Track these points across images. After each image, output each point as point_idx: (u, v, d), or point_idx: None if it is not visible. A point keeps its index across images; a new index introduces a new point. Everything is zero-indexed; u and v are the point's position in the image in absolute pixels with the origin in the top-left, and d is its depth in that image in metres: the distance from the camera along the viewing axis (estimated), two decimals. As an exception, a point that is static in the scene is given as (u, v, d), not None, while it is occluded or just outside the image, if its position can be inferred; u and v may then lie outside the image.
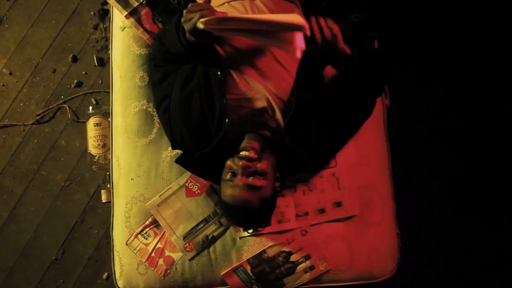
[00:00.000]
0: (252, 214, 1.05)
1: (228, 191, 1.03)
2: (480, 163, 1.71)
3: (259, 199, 1.03)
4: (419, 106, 1.71)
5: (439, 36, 1.73)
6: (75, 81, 1.71)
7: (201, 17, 0.90)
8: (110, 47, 1.38)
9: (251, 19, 0.91)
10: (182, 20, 0.96)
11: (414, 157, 1.70)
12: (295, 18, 0.89)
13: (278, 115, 1.09)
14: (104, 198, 1.55)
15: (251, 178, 1.01)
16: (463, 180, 1.70)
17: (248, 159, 1.02)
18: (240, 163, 1.01)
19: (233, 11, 1.08)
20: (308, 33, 0.90)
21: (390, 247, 1.31)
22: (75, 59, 1.72)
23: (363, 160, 1.29)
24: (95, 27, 1.73)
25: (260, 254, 1.26)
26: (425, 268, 1.67)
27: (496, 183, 1.70)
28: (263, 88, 1.07)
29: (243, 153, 1.03)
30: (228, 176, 1.03)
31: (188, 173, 1.28)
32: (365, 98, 1.15)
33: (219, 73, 1.04)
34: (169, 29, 1.05)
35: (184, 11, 0.95)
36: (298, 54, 0.89)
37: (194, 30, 0.93)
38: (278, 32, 0.91)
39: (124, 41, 1.34)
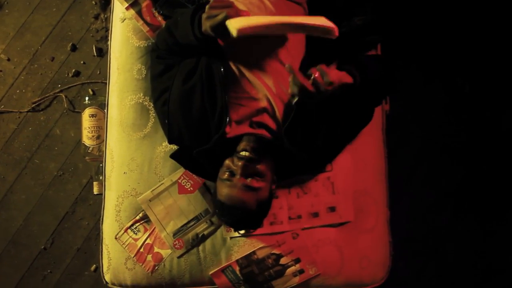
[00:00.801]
0: (248, 216, 1.04)
1: (225, 191, 1.02)
2: (479, 173, 1.70)
3: (256, 200, 1.02)
4: (419, 112, 1.71)
5: (443, 41, 1.71)
6: (73, 70, 1.70)
7: (227, 16, 0.90)
8: (109, 38, 1.37)
9: (281, 23, 0.91)
10: (205, 15, 0.95)
11: (411, 164, 1.69)
12: (323, 21, 0.90)
13: (278, 116, 1.08)
14: (96, 190, 1.54)
15: (249, 179, 1.01)
16: (460, 190, 1.69)
17: (248, 159, 1.02)
18: (240, 163, 1.01)
19: (251, 7, 1.07)
20: (337, 34, 0.90)
21: (381, 254, 1.30)
22: (74, 48, 1.71)
23: (359, 165, 1.28)
24: (96, 17, 1.72)
25: (249, 255, 1.25)
26: (417, 277, 1.67)
27: (493, 194, 1.69)
28: (264, 88, 1.07)
29: (243, 153, 1.03)
30: (226, 175, 1.03)
31: (182, 170, 1.27)
32: (366, 108, 1.15)
33: (222, 69, 1.04)
34: (182, 20, 1.04)
35: (207, 7, 0.94)
36: (337, 33, 0.90)
37: (218, 27, 0.92)
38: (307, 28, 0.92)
39: (124, 33, 1.32)
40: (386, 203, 1.33)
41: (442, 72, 1.71)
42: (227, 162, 1.05)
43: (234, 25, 0.90)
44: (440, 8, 1.70)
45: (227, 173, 1.03)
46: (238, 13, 0.92)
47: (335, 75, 0.95)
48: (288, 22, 0.92)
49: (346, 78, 1.00)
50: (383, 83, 1.11)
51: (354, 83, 1.01)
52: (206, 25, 0.95)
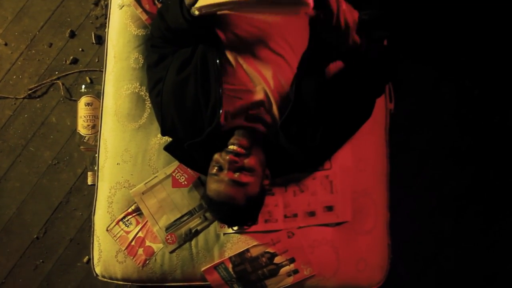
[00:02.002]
0: (236, 211, 1.03)
1: (213, 186, 1.01)
2: (484, 178, 1.67)
3: (244, 195, 1.01)
4: (425, 113, 1.67)
5: (452, 41, 1.67)
6: (71, 57, 1.69)
7: None
8: (107, 24, 1.35)
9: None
10: None
11: (414, 166, 1.66)
12: None
13: (275, 110, 1.06)
14: (90, 181, 1.53)
15: (237, 173, 1.00)
16: (464, 195, 1.66)
17: (236, 153, 1.00)
18: (227, 157, 1.00)
19: None
20: (311, 11, 0.86)
21: (379, 257, 1.28)
22: (72, 35, 1.70)
23: (360, 165, 1.26)
24: (96, 3, 1.70)
25: (243, 252, 1.24)
26: (416, 282, 1.64)
27: (498, 199, 1.66)
28: (261, 80, 1.05)
29: (231, 147, 1.02)
30: (215, 170, 1.02)
31: (176, 163, 1.26)
32: (366, 98, 1.12)
33: (218, 61, 1.02)
34: (172, 3, 1.02)
35: None
36: (310, 10, 0.85)
37: (193, 5, 0.92)
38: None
39: (122, 20, 1.31)
40: (387, 205, 1.31)
41: (451, 74, 1.67)
42: (216, 156, 1.03)
43: (198, 3, 0.88)
44: (450, 7, 1.66)
45: (215, 167, 1.02)
46: None
47: (354, 12, 0.93)
48: None
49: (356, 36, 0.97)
50: (385, 61, 1.08)
51: (360, 47, 0.97)
52: (186, 2, 0.94)
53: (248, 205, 1.03)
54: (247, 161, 1.01)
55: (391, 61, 1.13)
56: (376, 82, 1.12)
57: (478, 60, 1.67)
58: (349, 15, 0.96)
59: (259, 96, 1.05)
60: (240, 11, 0.97)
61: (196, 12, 0.91)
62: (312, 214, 1.25)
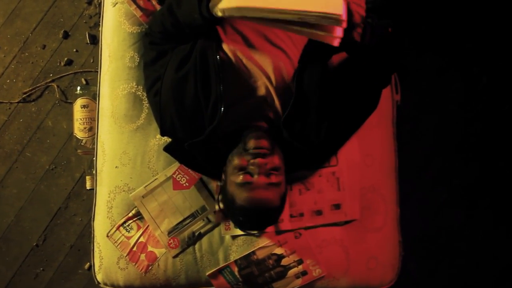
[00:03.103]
0: (274, 213, 1.02)
1: (246, 194, 0.96)
2: (495, 169, 1.65)
3: (279, 195, 1.00)
4: (432, 104, 1.65)
5: (458, 28, 1.65)
6: (65, 58, 1.67)
7: None
8: (101, 23, 1.33)
9: (277, 9, 0.83)
10: None
11: (422, 159, 1.65)
12: (333, 4, 0.81)
13: (277, 105, 1.05)
14: (88, 185, 1.52)
15: (269, 176, 0.97)
16: (475, 187, 1.65)
17: (262, 155, 0.97)
18: (256, 161, 0.96)
19: None
20: (345, 25, 0.82)
21: (390, 255, 1.26)
22: (66, 36, 1.68)
23: (367, 160, 1.24)
24: (89, 2, 1.69)
25: (249, 255, 1.22)
26: (428, 279, 1.63)
27: (510, 191, 1.64)
28: (262, 75, 1.03)
29: (254, 150, 0.97)
30: (241, 178, 0.97)
31: (177, 164, 1.23)
32: (371, 88, 1.09)
33: (218, 57, 0.99)
34: None
35: None
36: (336, 43, 0.82)
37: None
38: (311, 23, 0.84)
39: (116, 18, 1.28)
40: (396, 201, 1.29)
41: (458, 62, 1.65)
42: (236, 162, 0.98)
43: (220, 7, 0.85)
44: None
45: (241, 175, 0.97)
46: None
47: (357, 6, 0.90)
48: (283, 9, 0.83)
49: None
50: (390, 49, 1.05)
51: (364, 38, 0.94)
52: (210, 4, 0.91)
53: (281, 203, 1.02)
54: (274, 159, 0.98)
55: (397, 50, 1.09)
56: (382, 72, 1.09)
57: (486, 45, 1.65)
58: (357, 9, 0.92)
59: (260, 91, 1.03)
60: (268, 25, 0.91)
61: (220, 14, 0.88)
62: (319, 213, 1.22)
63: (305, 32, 0.87)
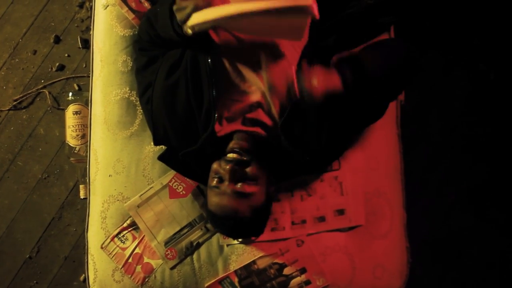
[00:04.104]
0: (242, 225, 0.98)
1: (214, 199, 0.96)
2: (503, 168, 1.63)
3: (250, 207, 0.96)
4: (438, 103, 1.65)
5: (464, 23, 1.64)
6: (57, 64, 1.67)
7: (195, 8, 0.85)
8: (92, 26, 1.32)
9: (247, 12, 0.82)
10: (174, 7, 0.90)
11: (428, 160, 1.64)
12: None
13: (274, 111, 1.02)
14: (82, 194, 1.50)
15: (239, 184, 0.95)
16: (483, 188, 1.64)
17: (237, 162, 0.95)
18: (227, 166, 0.95)
19: None
20: (316, 12, 0.80)
21: (397, 262, 1.24)
22: (57, 40, 1.68)
23: (371, 163, 1.23)
24: (81, 5, 1.68)
25: (249, 265, 1.20)
26: (437, 286, 1.61)
27: (520, 192, 1.63)
28: (258, 80, 1.01)
29: (230, 155, 0.97)
30: (214, 182, 0.97)
31: (173, 172, 1.21)
32: (377, 104, 1.06)
33: (209, 60, 0.98)
34: (161, 11, 0.98)
35: None
36: (315, 10, 0.80)
37: (185, 22, 0.89)
38: (280, 19, 0.83)
39: (107, 21, 1.27)
40: (403, 205, 1.28)
41: (464, 58, 1.64)
42: (214, 166, 0.98)
43: (191, 21, 0.86)
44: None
45: (215, 179, 0.97)
46: (210, 3, 0.85)
47: (319, 77, 0.88)
48: (253, 10, 0.82)
49: (332, 80, 0.90)
50: (396, 77, 0.99)
51: (344, 86, 0.90)
52: (177, 19, 0.90)
53: (254, 216, 0.98)
54: (250, 169, 0.96)
55: (406, 69, 0.99)
56: (387, 93, 1.03)
57: (492, 40, 1.64)
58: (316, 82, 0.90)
59: (255, 97, 1.01)
60: (237, 26, 0.93)
61: (189, 31, 0.89)
62: (322, 219, 1.20)
63: (272, 34, 0.88)
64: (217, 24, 0.89)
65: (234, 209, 0.94)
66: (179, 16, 0.89)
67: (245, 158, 0.96)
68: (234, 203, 0.94)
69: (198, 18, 0.86)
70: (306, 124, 1.01)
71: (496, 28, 1.64)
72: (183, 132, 1.04)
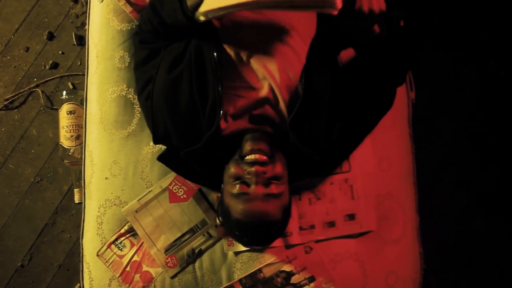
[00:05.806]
0: (274, 228, 0.97)
1: (243, 207, 0.93)
2: None
3: (280, 208, 0.95)
4: (448, 101, 1.64)
5: (475, 19, 1.64)
6: (51, 61, 1.65)
7: None
8: (87, 21, 1.30)
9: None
10: None
11: (439, 162, 1.64)
12: None
13: (283, 107, 1.01)
14: (77, 198, 1.49)
15: (268, 186, 0.93)
16: (496, 190, 1.62)
17: (261, 163, 0.92)
18: (253, 169, 0.92)
19: None
20: (340, 6, 0.79)
21: (411, 269, 1.24)
22: (51, 37, 1.66)
23: (382, 164, 1.21)
24: (75, 0, 1.66)
25: (255, 273, 1.18)
26: None
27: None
28: (266, 74, 0.99)
29: (251, 156, 0.93)
30: (237, 188, 0.93)
31: (173, 174, 1.20)
32: (385, 87, 1.06)
33: (215, 54, 0.95)
34: None
35: None
36: (339, 5, 0.78)
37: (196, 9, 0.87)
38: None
39: (103, 15, 1.24)
40: (415, 208, 1.28)
41: (475, 55, 1.64)
42: (232, 170, 0.95)
43: (203, 7, 0.83)
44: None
45: (237, 185, 0.93)
46: None
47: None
48: None
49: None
50: (405, 46, 1.03)
51: (380, 36, 0.92)
52: (188, 4, 0.87)
53: (284, 216, 0.97)
54: (275, 169, 0.94)
55: (411, 43, 1.07)
56: (396, 68, 1.06)
57: (504, 37, 1.64)
58: (375, 1, 0.89)
59: (263, 92, 0.99)
60: (254, 11, 0.92)
61: (202, 18, 0.86)
62: (331, 224, 1.19)
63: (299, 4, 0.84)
64: (236, 10, 0.85)
65: (265, 212, 0.92)
66: (189, 1, 0.87)
67: (267, 158, 0.94)
68: (265, 207, 0.92)
69: (213, 3, 0.83)
70: (316, 119, 0.99)
71: (508, 24, 1.63)
72: (185, 130, 1.01)
